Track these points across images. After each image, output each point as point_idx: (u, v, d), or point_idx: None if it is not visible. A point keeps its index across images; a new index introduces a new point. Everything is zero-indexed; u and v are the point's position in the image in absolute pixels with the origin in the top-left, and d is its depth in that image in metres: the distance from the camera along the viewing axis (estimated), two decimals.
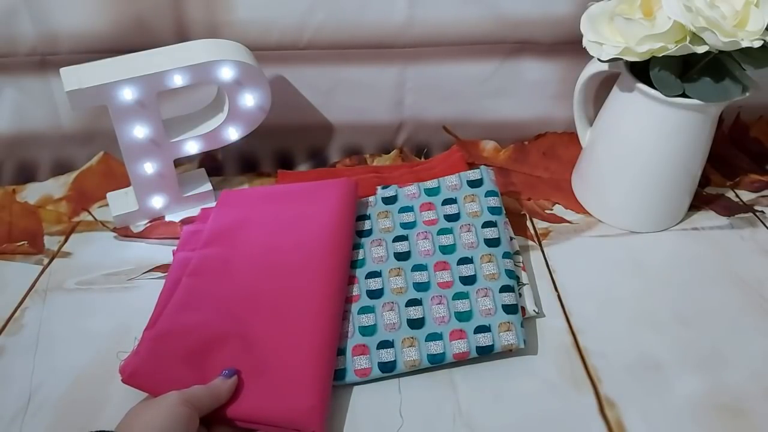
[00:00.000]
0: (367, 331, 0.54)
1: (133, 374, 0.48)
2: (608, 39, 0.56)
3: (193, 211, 0.67)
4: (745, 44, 0.51)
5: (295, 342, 0.50)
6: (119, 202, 0.66)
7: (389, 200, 0.62)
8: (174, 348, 0.50)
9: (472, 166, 0.67)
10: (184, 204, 0.68)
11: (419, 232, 0.59)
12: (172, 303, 0.53)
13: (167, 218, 0.67)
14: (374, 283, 0.56)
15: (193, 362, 0.50)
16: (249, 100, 0.62)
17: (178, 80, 0.59)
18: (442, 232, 0.59)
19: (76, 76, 0.57)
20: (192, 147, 0.64)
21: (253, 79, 0.61)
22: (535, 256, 0.63)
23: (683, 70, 0.57)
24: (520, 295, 0.57)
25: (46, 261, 0.63)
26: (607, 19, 0.57)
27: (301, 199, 0.61)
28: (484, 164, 0.67)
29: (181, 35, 0.66)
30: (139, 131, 0.60)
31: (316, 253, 0.56)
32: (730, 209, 0.69)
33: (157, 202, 0.66)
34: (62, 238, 0.65)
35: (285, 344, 0.50)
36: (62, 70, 0.57)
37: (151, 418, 0.42)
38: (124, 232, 0.65)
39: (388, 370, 0.52)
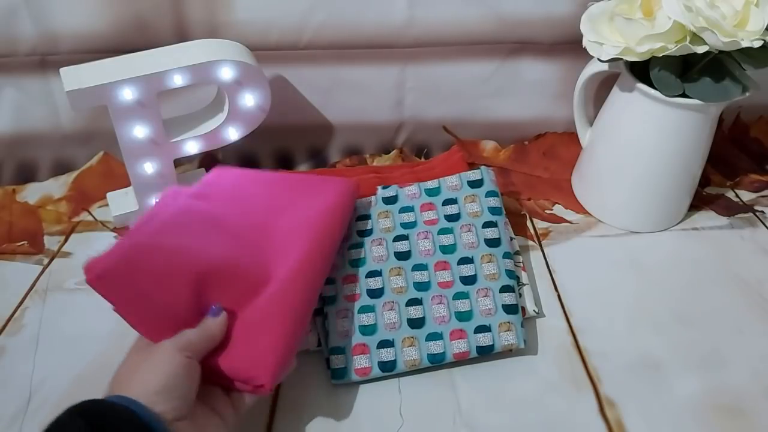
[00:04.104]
0: (368, 330, 0.54)
1: (101, 277, 0.44)
2: (608, 39, 0.56)
3: None
4: (745, 44, 0.51)
5: (263, 304, 0.48)
6: (119, 202, 0.66)
7: (390, 200, 0.62)
8: (151, 262, 0.46)
9: (472, 166, 0.67)
10: None
11: (420, 231, 0.59)
12: (159, 220, 0.50)
13: None
14: (374, 283, 0.56)
15: (169, 283, 0.46)
16: (249, 100, 0.62)
17: (178, 80, 0.59)
18: (443, 232, 0.59)
19: (76, 76, 0.57)
20: (192, 147, 0.64)
21: (253, 79, 0.61)
22: (535, 256, 0.64)
23: (683, 70, 0.57)
24: (520, 295, 0.57)
25: (46, 261, 0.63)
26: (607, 19, 0.57)
27: (298, 188, 0.59)
28: (484, 164, 0.67)
29: (181, 35, 0.66)
30: (139, 131, 0.60)
31: (300, 238, 0.53)
32: (730, 209, 0.69)
33: None
34: (62, 238, 0.65)
35: (253, 306, 0.48)
36: (62, 70, 0.57)
37: (149, 374, 0.40)
38: (124, 232, 0.65)
39: (388, 369, 0.52)
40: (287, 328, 0.47)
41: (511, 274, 0.56)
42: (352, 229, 0.60)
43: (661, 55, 0.54)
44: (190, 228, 0.51)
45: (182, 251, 0.48)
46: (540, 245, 0.65)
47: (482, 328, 0.53)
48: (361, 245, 0.59)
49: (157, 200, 0.55)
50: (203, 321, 0.46)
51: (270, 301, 0.48)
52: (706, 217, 0.68)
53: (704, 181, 0.70)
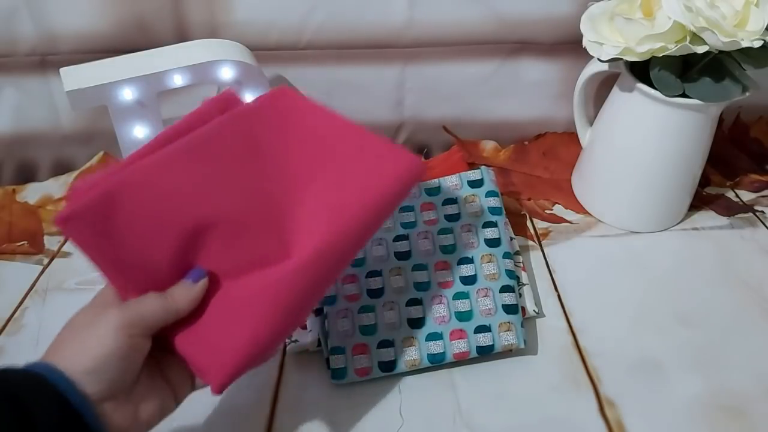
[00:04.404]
0: (368, 330, 0.54)
1: (69, 219, 0.38)
2: (608, 39, 0.56)
3: None
4: (745, 44, 0.51)
5: (256, 286, 0.41)
6: None
7: None
8: (139, 202, 0.39)
9: (472, 166, 0.67)
10: None
11: (420, 231, 0.59)
12: (178, 146, 0.42)
13: None
14: (374, 283, 0.56)
15: (154, 232, 0.39)
16: (249, 99, 0.62)
17: (178, 80, 0.59)
18: (443, 231, 0.59)
19: (76, 76, 0.57)
20: None
21: (253, 79, 0.61)
22: (535, 256, 0.63)
23: (683, 70, 0.57)
24: (520, 295, 0.57)
25: (46, 261, 0.63)
26: (607, 19, 0.57)
27: (359, 150, 0.46)
28: (484, 164, 0.67)
29: (181, 35, 0.66)
30: (139, 131, 0.60)
31: (332, 221, 0.43)
32: (730, 209, 0.69)
33: None
34: (62, 238, 0.65)
35: (244, 283, 0.41)
36: (62, 70, 0.57)
37: (83, 350, 0.36)
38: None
39: (388, 369, 0.52)
40: (271, 327, 0.40)
41: (511, 274, 0.56)
42: None
43: (661, 55, 0.54)
44: (215, 157, 0.43)
45: (186, 189, 0.41)
46: (540, 245, 0.65)
47: (482, 328, 0.53)
48: None
49: (212, 98, 0.46)
50: (174, 288, 0.39)
51: (266, 286, 0.41)
52: (706, 217, 0.68)
53: (704, 181, 0.70)
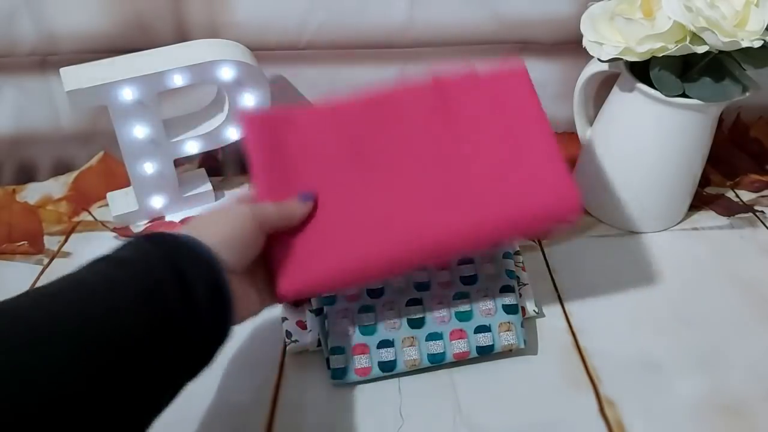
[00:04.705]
0: (368, 330, 0.54)
1: (256, 117, 0.50)
2: (608, 39, 0.56)
3: (194, 212, 0.67)
4: (745, 44, 0.51)
5: (370, 224, 0.47)
6: (119, 202, 0.66)
7: None
8: (305, 136, 0.50)
9: None
10: (183, 204, 0.68)
11: None
12: (388, 99, 0.51)
13: (167, 218, 0.67)
14: (374, 283, 0.56)
15: (304, 164, 0.49)
16: (249, 100, 0.62)
17: (178, 80, 0.59)
18: None
19: (76, 76, 0.57)
20: (192, 147, 0.64)
21: (253, 79, 0.61)
22: (535, 256, 0.63)
23: (683, 70, 0.57)
24: (520, 295, 0.57)
25: (46, 261, 0.63)
26: (607, 19, 0.57)
27: (526, 170, 0.52)
28: None
29: (181, 35, 0.66)
30: (139, 131, 0.60)
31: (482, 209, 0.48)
32: (730, 209, 0.69)
33: (157, 202, 0.66)
34: (62, 238, 0.65)
35: (356, 222, 0.47)
36: (62, 70, 0.57)
37: (217, 224, 0.42)
38: (124, 232, 0.65)
39: (388, 369, 0.52)
40: (352, 272, 0.46)
41: (511, 274, 0.56)
42: None
43: (661, 55, 0.54)
44: (391, 117, 0.51)
45: (347, 135, 0.50)
46: (540, 245, 0.65)
47: (482, 328, 0.53)
48: None
49: (437, 75, 0.53)
50: (289, 201, 0.47)
51: (367, 238, 0.46)
52: (706, 217, 0.68)
53: (704, 181, 0.70)
